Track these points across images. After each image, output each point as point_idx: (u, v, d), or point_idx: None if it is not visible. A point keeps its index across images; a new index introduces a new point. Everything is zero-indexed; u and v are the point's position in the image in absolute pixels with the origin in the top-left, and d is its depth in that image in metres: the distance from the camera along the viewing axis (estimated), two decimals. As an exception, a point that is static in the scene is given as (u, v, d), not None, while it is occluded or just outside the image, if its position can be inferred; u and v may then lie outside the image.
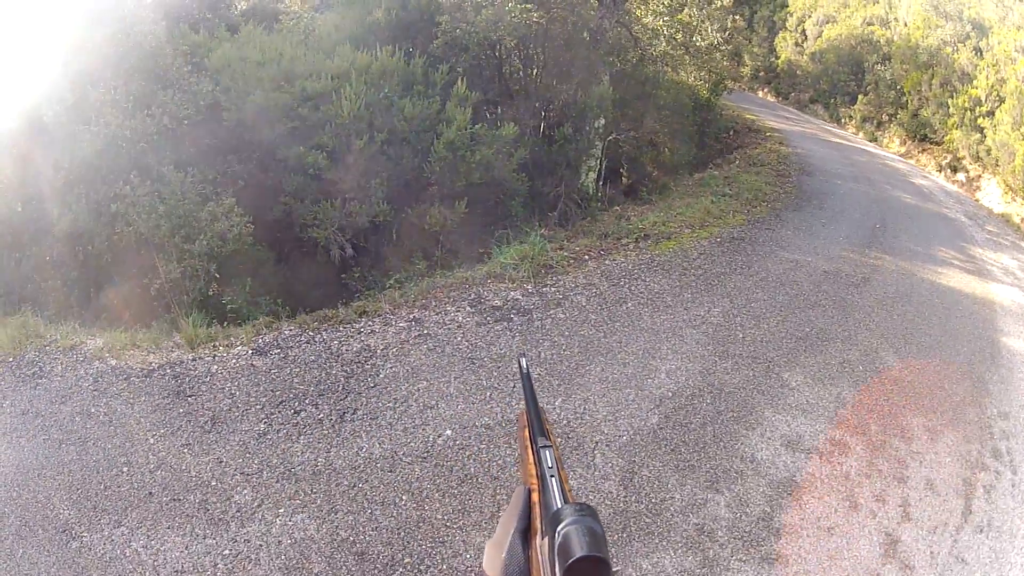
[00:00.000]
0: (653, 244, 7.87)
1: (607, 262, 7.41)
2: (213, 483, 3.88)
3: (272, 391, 4.68)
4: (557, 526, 0.75)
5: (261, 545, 3.48)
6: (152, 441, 4.23)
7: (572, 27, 10.55)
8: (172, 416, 4.42)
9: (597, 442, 4.57)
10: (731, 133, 15.77)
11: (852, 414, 5.60)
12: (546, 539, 0.79)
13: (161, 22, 9.04)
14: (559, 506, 0.81)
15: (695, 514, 4.22)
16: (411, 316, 5.98)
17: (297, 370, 4.94)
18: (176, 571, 3.36)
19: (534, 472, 0.93)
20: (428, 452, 4.17)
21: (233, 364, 4.99)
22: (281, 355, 5.13)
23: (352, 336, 5.50)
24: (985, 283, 9.47)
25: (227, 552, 3.43)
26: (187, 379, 4.84)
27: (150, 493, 3.82)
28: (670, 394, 5.29)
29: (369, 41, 9.79)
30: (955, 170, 14.62)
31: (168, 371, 4.90)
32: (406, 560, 3.44)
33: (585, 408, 4.92)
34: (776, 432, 5.15)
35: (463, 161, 8.31)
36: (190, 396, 4.64)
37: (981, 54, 14.29)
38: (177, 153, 7.30)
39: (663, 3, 9.77)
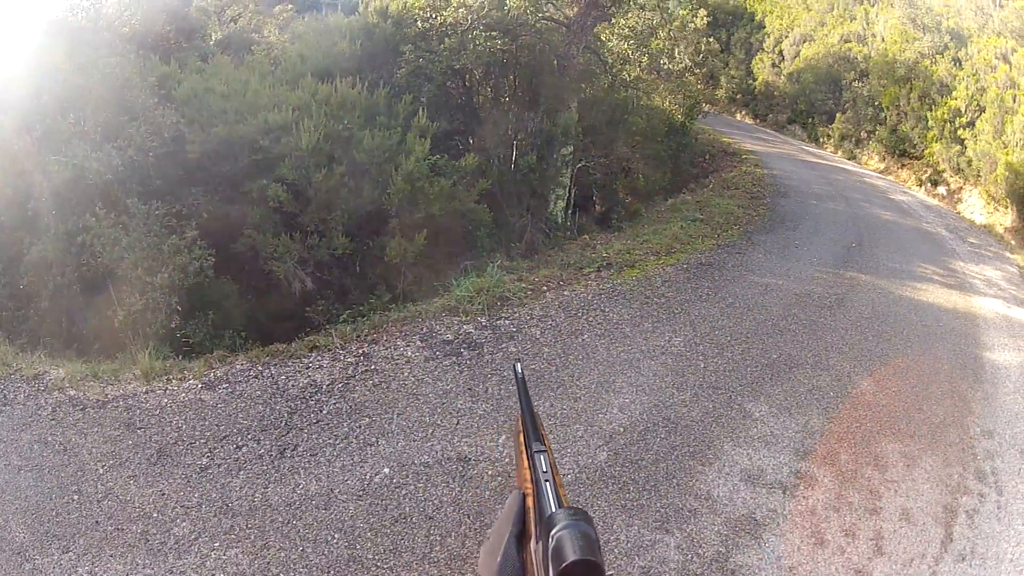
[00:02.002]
0: (616, 273, 7.65)
1: (566, 293, 7.17)
2: (155, 515, 3.90)
3: (217, 426, 4.64)
4: (551, 530, 0.76)
5: None
6: (101, 471, 4.25)
7: (539, 54, 10.49)
8: (121, 448, 4.43)
9: None
10: (707, 157, 15.69)
11: (820, 444, 5.33)
12: (540, 543, 0.80)
13: (130, 54, 9.06)
14: (553, 510, 0.82)
15: (641, 556, 3.93)
16: (360, 351, 5.78)
17: (243, 405, 4.88)
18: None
19: (529, 477, 0.95)
20: (364, 490, 4.09)
21: (183, 398, 4.94)
22: (229, 390, 5.06)
23: (300, 371, 5.37)
24: (967, 297, 9.26)
25: None
26: (138, 411, 4.81)
27: (96, 522, 3.86)
28: (621, 429, 5.00)
29: (334, 72, 9.71)
30: (935, 184, 14.51)
31: (121, 403, 4.89)
32: None
33: None
34: (735, 467, 4.86)
35: (421, 193, 8.14)
36: (140, 428, 4.62)
37: (960, 64, 14.27)
38: (143, 185, 7.29)
39: (627, 27, 9.68)
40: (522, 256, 9.33)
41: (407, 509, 3.92)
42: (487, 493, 4.08)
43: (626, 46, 9.52)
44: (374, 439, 4.56)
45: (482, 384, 5.42)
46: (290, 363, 5.48)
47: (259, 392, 5.05)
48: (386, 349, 5.83)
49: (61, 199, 6.85)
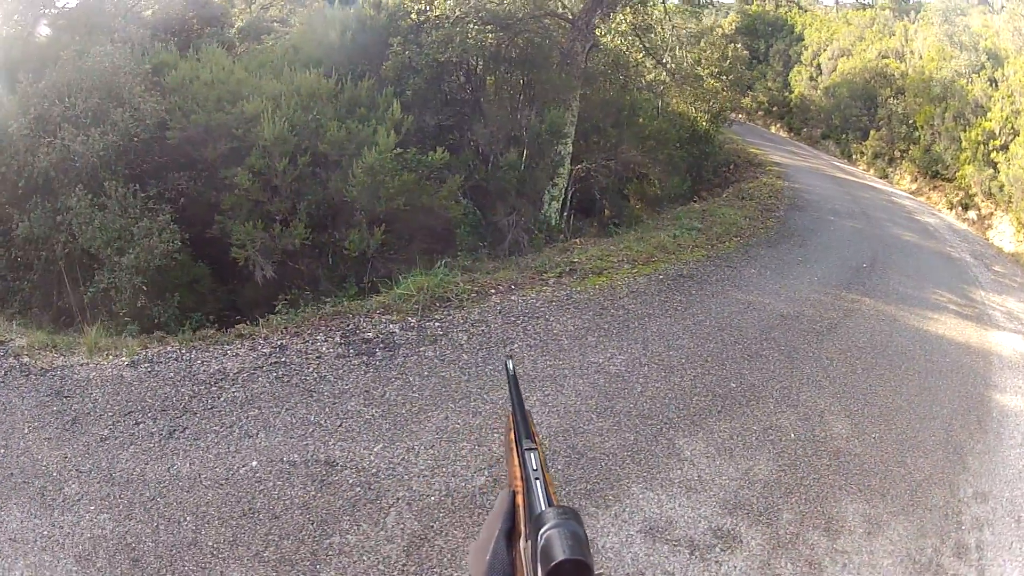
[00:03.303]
0: (578, 280, 6.65)
1: (513, 298, 6.23)
2: (55, 474, 3.99)
3: (126, 401, 4.60)
4: (540, 529, 0.72)
5: (69, 534, 3.56)
6: (26, 431, 4.38)
7: (538, 49, 9.56)
8: (47, 412, 4.51)
9: (399, 498, 3.79)
10: (731, 167, 14.41)
11: (760, 497, 4.23)
12: (530, 541, 0.75)
13: (144, 40, 9.35)
14: (542, 509, 0.77)
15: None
16: (279, 343, 5.35)
17: (154, 384, 4.78)
18: (10, 539, 3.55)
19: (519, 474, 0.89)
20: (227, 479, 3.91)
21: (108, 373, 4.91)
22: (148, 369, 4.95)
23: (216, 357, 5.12)
24: (983, 330, 7.88)
25: (45, 533, 3.56)
26: (69, 381, 4.82)
27: (11, 474, 4.02)
28: None
29: (325, 63, 9.12)
30: (966, 208, 12.87)
31: (59, 373, 4.93)
32: (165, 574, 3.33)
33: (404, 459, 4.11)
34: (638, 514, 3.85)
35: (383, 187, 7.35)
36: (66, 397, 4.66)
37: (996, 85, 12.63)
38: (127, 168, 7.31)
39: (626, 21, 8.63)
40: (506, 256, 8.46)
41: (258, 504, 3.71)
42: (340, 502, 3.72)
43: (621, 42, 8.47)
44: (255, 431, 4.32)
45: (380, 388, 4.83)
46: (212, 349, 5.24)
47: (172, 374, 4.90)
48: (304, 343, 5.37)
49: (48, 180, 6.95)
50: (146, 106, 7.65)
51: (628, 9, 8.73)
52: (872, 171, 16.31)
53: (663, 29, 9.54)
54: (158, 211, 6.97)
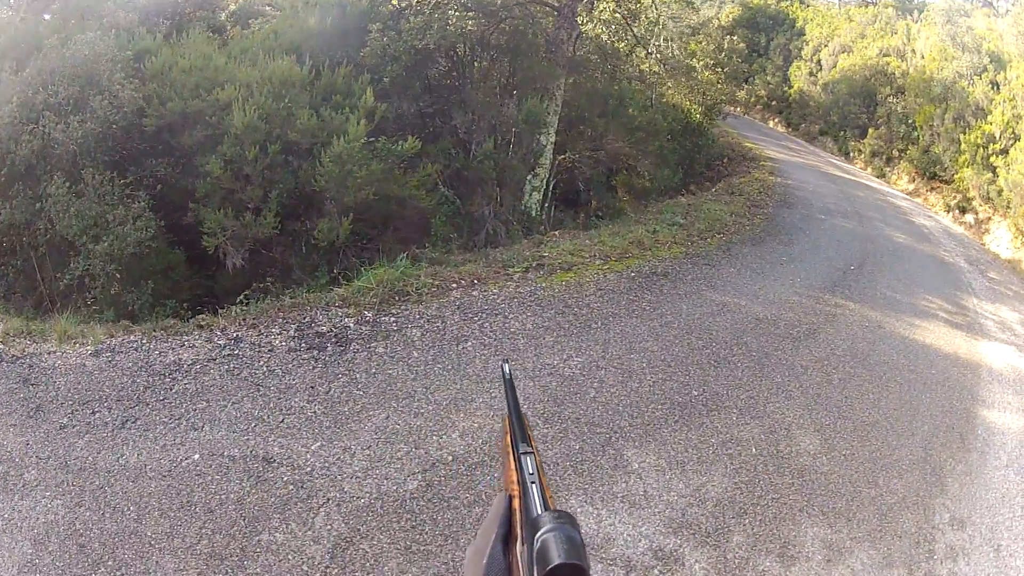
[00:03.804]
0: (545, 275, 6.25)
1: (474, 293, 5.86)
2: (17, 459, 3.97)
3: (86, 390, 4.54)
4: (536, 533, 0.72)
5: (27, 518, 3.57)
6: None
7: (522, 37, 9.10)
8: (14, 399, 4.48)
9: (329, 499, 3.66)
10: (725, 160, 13.92)
11: (710, 516, 3.84)
12: (526, 545, 0.74)
13: (133, 25, 9.16)
14: (538, 513, 0.77)
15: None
16: (236, 334, 5.18)
17: (113, 374, 4.70)
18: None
19: (515, 478, 0.87)
20: (170, 471, 3.86)
21: (72, 361, 4.85)
22: (109, 358, 4.85)
23: (173, 348, 4.98)
24: (973, 340, 7.45)
25: (5, 516, 3.56)
26: (37, 369, 4.78)
27: None
28: (450, 458, 3.97)
29: (304, 49, 8.72)
30: (964, 211, 12.35)
31: (29, 360, 4.88)
32: (109, 563, 3.31)
33: (339, 458, 3.95)
34: (572, 531, 3.46)
35: (351, 176, 6.96)
36: (32, 384, 4.62)
37: (998, 88, 12.05)
38: (106, 156, 7.16)
39: (608, 9, 8.13)
40: (482, 247, 8.07)
41: (195, 498, 3.65)
42: (272, 499, 3.62)
43: (603, 30, 7.99)
44: (201, 424, 4.23)
45: (326, 384, 4.63)
46: (171, 339, 5.10)
47: (131, 364, 4.80)
48: (259, 335, 5.18)
49: (29, 167, 6.86)
50: (124, 93, 7.44)
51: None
52: (869, 170, 15.74)
53: (647, 18, 9.01)
54: (134, 199, 6.85)
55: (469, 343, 5.18)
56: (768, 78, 19.79)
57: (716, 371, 5.27)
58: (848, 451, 4.87)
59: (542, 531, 0.71)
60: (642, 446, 4.28)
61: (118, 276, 6.53)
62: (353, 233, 7.87)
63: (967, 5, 16.18)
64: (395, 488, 3.74)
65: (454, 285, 6.03)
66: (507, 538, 0.83)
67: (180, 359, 4.86)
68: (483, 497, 3.71)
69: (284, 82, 7.70)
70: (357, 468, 3.88)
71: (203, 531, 3.44)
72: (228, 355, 4.93)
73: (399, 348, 5.08)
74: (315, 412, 4.34)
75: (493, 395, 4.59)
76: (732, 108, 16.62)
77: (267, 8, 12.71)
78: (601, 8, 8.15)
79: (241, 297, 6.18)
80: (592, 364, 5.04)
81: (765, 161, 13.72)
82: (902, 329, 7.22)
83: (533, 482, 0.84)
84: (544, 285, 6.12)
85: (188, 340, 5.06)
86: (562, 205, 10.25)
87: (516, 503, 0.85)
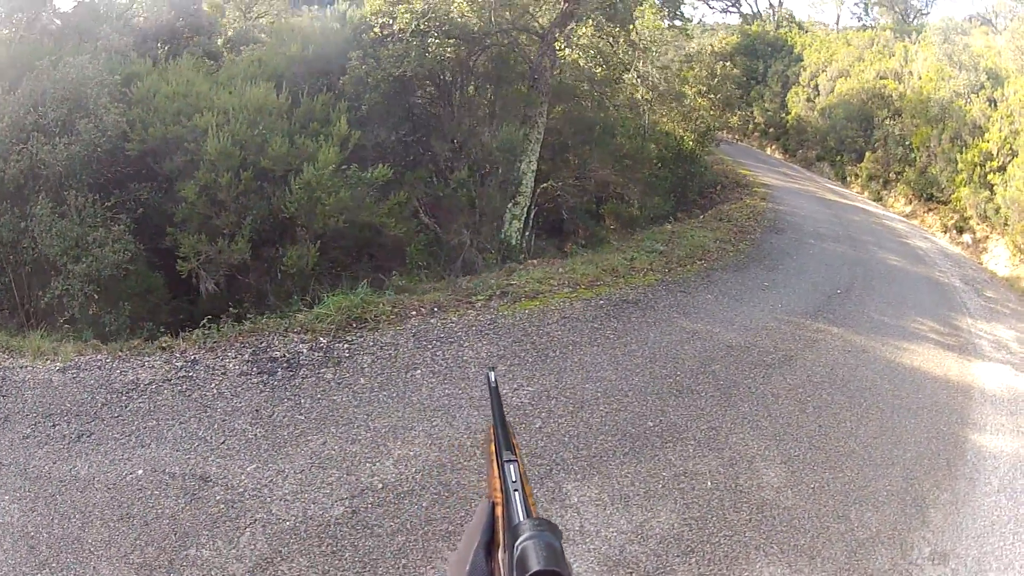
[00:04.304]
0: (508, 303, 6.03)
1: (433, 321, 5.68)
2: None
3: (49, 404, 4.62)
4: (516, 540, 0.72)
5: None
6: None
7: (504, 64, 9.04)
8: None
9: (256, 519, 3.63)
10: (718, 188, 13.68)
11: (651, 554, 3.51)
12: (507, 552, 0.74)
13: (129, 49, 9.45)
14: (520, 520, 0.77)
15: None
16: (193, 357, 5.19)
17: (75, 390, 4.77)
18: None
19: (499, 486, 0.88)
20: (116, 485, 3.90)
21: (41, 377, 4.92)
22: (74, 375, 4.92)
23: (135, 368, 5.03)
24: (966, 361, 7.05)
25: None
26: (8, 383, 4.85)
27: None
28: (380, 485, 3.87)
29: (287, 76, 8.74)
30: (961, 231, 11.92)
31: (3, 373, 4.95)
32: (53, 564, 3.37)
33: (272, 480, 3.92)
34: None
35: (319, 203, 6.86)
36: (3, 396, 4.70)
37: (995, 105, 11.73)
38: (91, 178, 7.25)
39: (586, 35, 8.03)
40: (458, 275, 7.89)
41: (134, 511, 3.70)
42: (204, 516, 3.62)
43: (579, 55, 7.87)
44: (149, 441, 4.28)
45: (270, 408, 4.59)
46: (133, 359, 5.14)
47: (93, 381, 4.86)
48: (215, 358, 5.19)
49: (17, 186, 6.91)
50: (108, 117, 7.50)
51: (590, 22, 8.13)
52: (867, 194, 15.35)
53: (625, 42, 8.88)
54: (116, 221, 6.91)
55: (418, 371, 5.01)
56: (766, 105, 19.57)
57: (677, 401, 4.97)
58: (818, 484, 4.52)
59: (522, 538, 0.71)
60: (584, 479, 3.99)
61: (95, 297, 6.60)
62: (328, 260, 7.79)
63: (965, 24, 15.88)
64: (321, 512, 3.68)
65: (413, 313, 5.85)
66: (490, 545, 0.82)
67: (138, 378, 4.90)
68: (407, 526, 3.60)
69: (259, 109, 7.68)
70: (287, 491, 3.84)
71: (137, 542, 3.48)
72: (183, 376, 4.95)
73: (347, 375, 4.99)
74: (256, 435, 4.33)
75: (434, 424, 4.43)
76: (727, 135, 16.40)
77: (262, 36, 12.83)
78: (580, 34, 8.04)
79: (205, 320, 6.10)
80: (543, 393, 4.78)
81: (758, 187, 13.44)
82: (888, 353, 6.86)
83: (516, 490, 0.83)
84: (506, 313, 5.89)
85: (149, 361, 5.08)
86: (546, 234, 10.06)
87: (499, 510, 0.84)
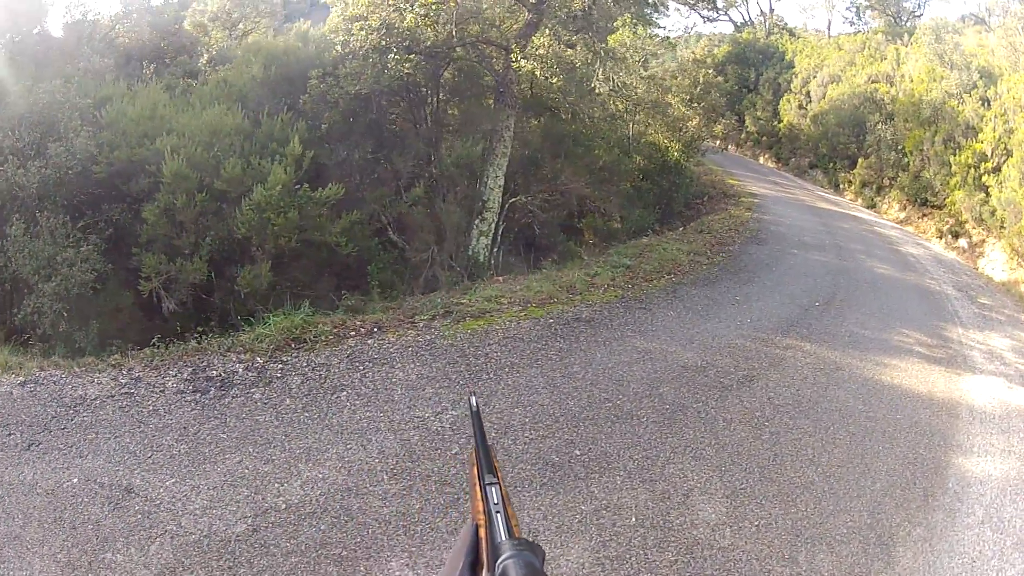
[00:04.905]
0: (452, 323, 5.65)
1: (371, 341, 5.45)
2: None
3: (7, 415, 4.68)
4: (497, 559, 0.73)
5: None
6: None
7: (468, 78, 8.72)
8: None
9: (167, 531, 3.67)
10: (705, 199, 13.18)
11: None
12: (489, 573, 0.76)
13: (108, 70, 9.54)
14: (501, 540, 0.78)
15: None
16: (138, 375, 5.22)
17: (30, 403, 4.83)
18: None
19: (482, 508, 0.88)
20: (53, 490, 3.97)
21: (3, 390, 4.97)
22: (32, 389, 4.98)
23: (86, 383, 5.07)
24: (954, 375, 6.50)
25: None
26: None
27: None
28: (284, 506, 3.81)
29: (250, 96, 8.54)
30: (956, 236, 11.28)
31: None
32: None
33: (186, 495, 3.94)
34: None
35: (269, 223, 6.57)
36: None
37: (988, 104, 11.11)
38: (64, 199, 7.32)
39: (543, 44, 7.65)
40: (420, 293, 7.53)
41: (66, 515, 3.78)
42: (122, 524, 3.69)
43: (532, 65, 7.50)
44: (87, 453, 4.34)
45: (197, 426, 4.58)
46: (85, 376, 5.19)
47: (47, 395, 4.92)
48: (157, 376, 5.20)
49: None
50: (78, 141, 7.55)
51: (547, 31, 7.76)
52: (860, 201, 14.70)
53: (581, 49, 8.49)
54: (86, 241, 7.03)
55: (344, 393, 4.83)
56: (758, 113, 18.99)
57: (613, 427, 4.51)
58: (764, 520, 4.03)
59: (503, 558, 0.71)
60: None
61: (65, 315, 6.63)
62: (287, 280, 7.55)
63: (959, 24, 15.25)
64: (224, 528, 3.69)
65: (353, 333, 5.56)
66: (474, 566, 0.83)
67: (87, 394, 4.97)
68: (302, 548, 3.56)
69: (214, 131, 7.48)
70: (198, 506, 3.87)
71: (65, 543, 3.58)
72: (125, 393, 5.00)
73: (275, 395, 4.90)
74: (180, 451, 4.38)
75: (349, 447, 4.29)
76: (719, 143, 15.90)
77: (249, 55, 12.68)
78: (537, 44, 7.67)
79: (155, 339, 6.09)
80: (466, 419, 4.41)
81: (746, 197, 12.92)
82: (866, 370, 6.33)
83: (498, 511, 0.83)
84: (447, 334, 5.51)
85: (99, 377, 5.13)
86: (521, 250, 9.66)
87: (483, 532, 0.84)
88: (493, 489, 0.88)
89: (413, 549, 3.48)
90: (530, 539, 0.76)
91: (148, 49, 11.70)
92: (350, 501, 3.83)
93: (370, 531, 3.61)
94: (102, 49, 10.92)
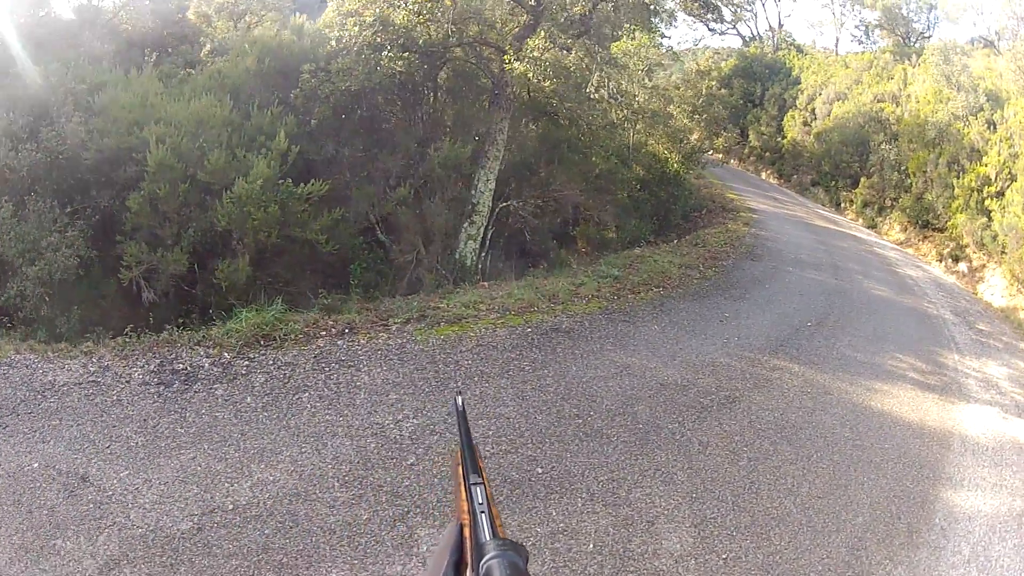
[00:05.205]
0: (425, 328, 5.42)
1: (340, 343, 5.24)
2: None
3: None
4: (481, 559, 0.72)
5: None
6: None
7: (463, 78, 8.49)
8: None
9: (115, 523, 3.60)
10: (704, 212, 12.91)
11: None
12: (473, 572, 0.74)
13: (106, 57, 9.21)
14: (485, 540, 0.77)
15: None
16: (107, 363, 5.08)
17: (2, 386, 4.74)
18: None
19: (466, 508, 0.87)
20: (14, 474, 3.92)
21: None
22: (4, 372, 4.89)
23: (54, 369, 4.97)
24: (947, 403, 6.22)
25: None
26: None
27: None
28: (231, 507, 3.70)
29: (244, 88, 8.34)
30: (956, 259, 10.97)
31: None
32: None
33: (138, 488, 3.87)
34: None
35: (250, 218, 6.36)
36: None
37: (994, 128, 10.83)
38: (54, 184, 7.19)
39: (538, 47, 7.43)
40: (403, 295, 7.29)
41: (24, 499, 3.74)
42: (74, 512, 3.65)
43: (525, 67, 7.27)
44: (49, 439, 4.27)
45: (157, 419, 4.47)
46: (57, 361, 5.09)
47: (18, 379, 4.84)
48: (125, 366, 5.06)
49: None
50: (68, 126, 7.42)
51: (542, 33, 7.54)
52: (861, 220, 14.40)
53: (576, 54, 8.27)
54: (72, 227, 6.93)
55: (307, 394, 4.65)
56: (762, 128, 18.70)
57: (580, 446, 4.25)
58: (733, 554, 3.76)
59: (487, 558, 0.71)
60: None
61: (47, 299, 6.59)
62: (269, 275, 7.35)
63: (967, 46, 14.96)
64: (170, 525, 3.62)
65: (323, 333, 5.35)
66: (459, 565, 0.82)
67: (56, 380, 4.89)
68: (244, 551, 3.44)
69: (200, 122, 7.27)
70: (147, 500, 3.81)
71: (20, 527, 3.56)
72: (92, 381, 4.91)
73: (237, 392, 4.75)
74: (138, 443, 4.30)
75: (303, 450, 4.13)
76: (720, 156, 15.64)
77: (244, 46, 12.49)
78: (532, 46, 7.45)
79: (128, 329, 5.94)
80: (426, 428, 4.18)
81: (745, 212, 12.64)
82: (856, 395, 6.05)
83: (482, 511, 0.82)
84: (419, 338, 5.28)
85: (70, 364, 5.04)
86: (513, 255, 9.41)
87: (467, 532, 0.83)
88: (478, 489, 0.86)
89: (355, 561, 3.28)
90: (514, 539, 0.74)
91: (150, 37, 11.53)
92: (297, 506, 3.69)
93: (314, 539, 3.46)
94: (103, 35, 10.79)
